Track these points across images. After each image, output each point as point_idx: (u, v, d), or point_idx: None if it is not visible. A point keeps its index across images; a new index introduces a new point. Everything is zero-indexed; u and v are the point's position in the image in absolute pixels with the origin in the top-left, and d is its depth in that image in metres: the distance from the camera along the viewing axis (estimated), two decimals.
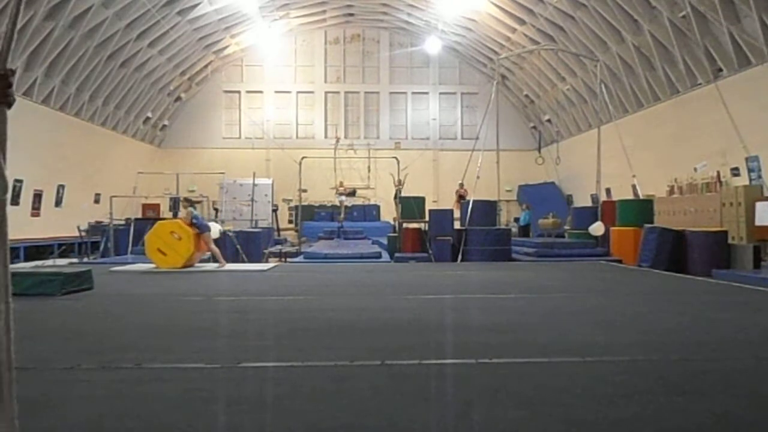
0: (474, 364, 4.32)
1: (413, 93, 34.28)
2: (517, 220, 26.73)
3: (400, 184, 20.65)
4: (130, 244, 16.51)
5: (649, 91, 21.78)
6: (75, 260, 18.52)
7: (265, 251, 17.72)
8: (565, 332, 5.57)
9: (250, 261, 15.15)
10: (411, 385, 3.81)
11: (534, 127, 33.18)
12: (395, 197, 21.77)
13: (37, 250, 20.27)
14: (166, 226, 12.23)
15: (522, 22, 25.43)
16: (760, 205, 14.46)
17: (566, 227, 19.60)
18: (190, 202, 12.75)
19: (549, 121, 30.79)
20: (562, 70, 26.48)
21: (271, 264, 14.67)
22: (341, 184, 25.89)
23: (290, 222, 29.68)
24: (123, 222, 19.13)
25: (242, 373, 4.15)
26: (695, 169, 19.04)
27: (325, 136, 33.14)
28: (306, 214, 24.91)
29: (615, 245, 15.44)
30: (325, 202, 28.66)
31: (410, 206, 16.99)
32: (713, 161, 18.23)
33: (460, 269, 12.56)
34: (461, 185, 21.76)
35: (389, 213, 25.12)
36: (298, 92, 33.91)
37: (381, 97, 34.22)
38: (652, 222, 15.35)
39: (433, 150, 33.58)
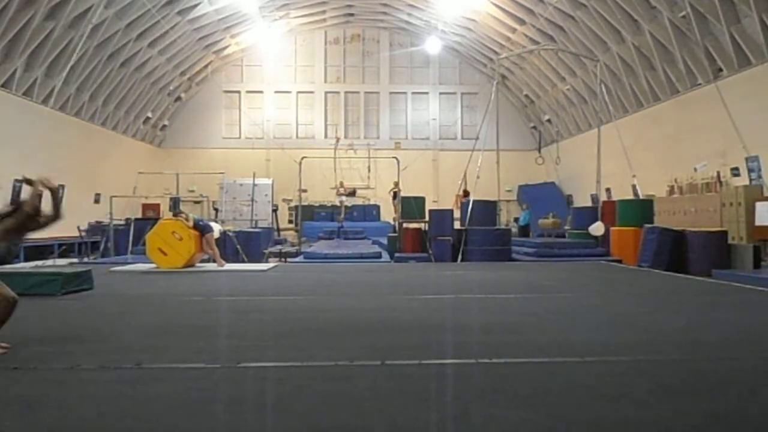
0: (474, 364, 4.32)
1: (413, 93, 34.27)
2: (517, 220, 26.73)
3: (396, 186, 20.76)
4: (130, 244, 16.49)
5: (649, 91, 21.78)
6: (75, 260, 18.52)
7: (265, 251, 17.70)
8: (565, 332, 5.57)
9: (250, 261, 15.13)
10: (411, 385, 3.81)
11: (534, 127, 33.19)
12: (393, 198, 21.78)
13: (37, 250, 20.25)
14: (167, 226, 12.22)
15: (522, 22, 25.43)
16: (760, 205, 14.47)
17: (566, 227, 19.59)
18: (180, 211, 12.83)
19: (549, 121, 30.80)
20: (562, 70, 26.48)
21: (271, 264, 14.65)
22: (341, 184, 25.87)
23: (290, 222, 29.67)
24: (123, 222, 19.11)
25: (242, 373, 4.15)
26: (695, 169, 19.03)
27: (325, 136, 33.14)
28: (306, 214, 24.90)
29: (615, 245, 15.43)
30: (325, 202, 28.65)
31: (410, 206, 16.97)
32: (713, 161, 18.22)
33: (460, 269, 12.55)
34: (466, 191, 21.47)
35: (389, 213, 25.12)
36: (298, 92, 33.91)
37: (381, 97, 34.21)
38: (652, 222, 15.34)
39: (433, 150, 33.57)
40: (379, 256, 15.92)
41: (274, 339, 5.26)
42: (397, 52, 33.91)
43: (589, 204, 23.17)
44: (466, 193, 20.25)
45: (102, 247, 18.70)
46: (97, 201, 25.60)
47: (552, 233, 18.70)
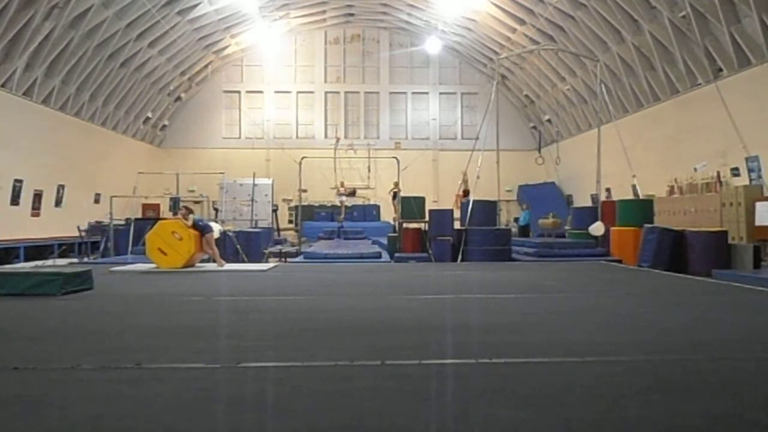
0: (474, 364, 4.31)
1: (413, 93, 34.29)
2: (517, 220, 26.73)
3: (396, 186, 20.78)
4: (130, 244, 16.50)
5: (649, 91, 21.78)
6: (75, 260, 18.52)
7: (265, 251, 17.70)
8: (565, 332, 5.57)
9: (250, 261, 15.13)
10: (411, 385, 3.81)
11: (534, 127, 33.19)
12: (393, 198, 21.79)
13: (37, 250, 20.27)
14: (167, 226, 12.21)
15: (522, 22, 25.43)
16: (760, 205, 14.47)
17: (566, 227, 19.59)
18: (189, 210, 12.74)
19: (549, 121, 30.80)
20: (562, 70, 26.48)
21: (271, 264, 14.65)
22: (341, 184, 25.89)
23: (290, 222, 29.68)
24: (123, 222, 19.12)
25: (242, 373, 4.14)
26: (695, 169, 19.04)
27: (325, 136, 33.15)
28: (306, 214, 24.89)
29: (615, 245, 15.42)
30: (325, 202, 28.66)
31: (410, 206, 16.97)
32: (713, 161, 18.22)
33: (460, 269, 12.55)
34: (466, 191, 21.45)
35: (389, 213, 25.12)
36: (298, 92, 33.92)
37: (381, 97, 34.23)
38: (652, 222, 15.34)
39: (433, 150, 33.58)
40: (379, 256, 15.91)
41: (274, 339, 5.26)
42: (397, 52, 33.91)
43: (589, 204, 23.18)
44: (466, 193, 20.24)
45: (102, 247, 18.71)
46: (97, 201, 25.62)
47: (552, 233, 18.69)
